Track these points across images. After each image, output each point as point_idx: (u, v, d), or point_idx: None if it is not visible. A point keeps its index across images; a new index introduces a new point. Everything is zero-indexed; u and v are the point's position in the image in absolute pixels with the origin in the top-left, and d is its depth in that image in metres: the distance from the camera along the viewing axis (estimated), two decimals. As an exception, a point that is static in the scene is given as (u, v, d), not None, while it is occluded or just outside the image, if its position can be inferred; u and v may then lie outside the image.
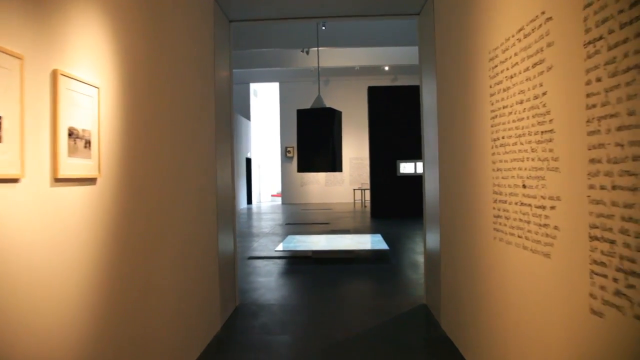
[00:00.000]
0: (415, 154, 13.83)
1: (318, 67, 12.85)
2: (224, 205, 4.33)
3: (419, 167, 13.76)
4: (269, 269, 6.46)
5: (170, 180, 2.89)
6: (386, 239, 8.25)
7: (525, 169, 2.13)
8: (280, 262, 6.85)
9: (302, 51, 14.66)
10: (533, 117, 2.05)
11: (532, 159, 2.06)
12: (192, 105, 3.41)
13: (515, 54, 2.21)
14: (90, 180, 1.92)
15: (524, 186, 2.14)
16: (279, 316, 4.38)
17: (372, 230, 11.00)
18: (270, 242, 8.94)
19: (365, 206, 18.17)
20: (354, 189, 19.38)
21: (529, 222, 2.10)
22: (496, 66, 2.47)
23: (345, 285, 5.65)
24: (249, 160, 21.08)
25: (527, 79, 2.10)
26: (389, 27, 13.78)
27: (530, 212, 2.08)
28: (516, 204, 2.24)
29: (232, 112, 4.82)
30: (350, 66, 17.25)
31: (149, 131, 2.54)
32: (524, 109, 2.13)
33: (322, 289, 5.38)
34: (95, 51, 1.99)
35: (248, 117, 21.63)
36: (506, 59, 2.33)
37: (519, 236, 2.21)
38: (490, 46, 2.56)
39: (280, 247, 7.30)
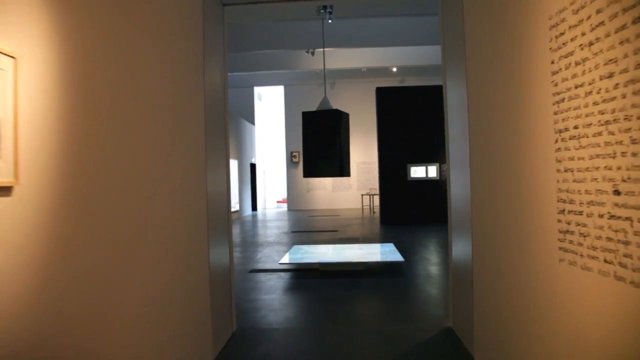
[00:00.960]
0: (426, 157, 13.21)
1: (324, 66, 12.28)
2: (217, 213, 3.74)
3: (431, 171, 13.13)
4: (273, 284, 5.85)
5: (139, 186, 2.30)
6: (399, 248, 7.63)
7: (619, 169, 1.52)
8: (285, 276, 6.25)
9: (307, 52, 14.13)
10: (634, 94, 1.44)
11: (634, 154, 1.45)
12: (172, 95, 2.82)
13: (599, 11, 1.61)
14: (2, 191, 1.34)
15: (618, 192, 1.53)
16: (282, 345, 3.77)
17: (383, 238, 10.38)
18: (275, 253, 8.34)
19: (373, 212, 17.55)
20: (362, 195, 18.76)
21: (627, 244, 1.49)
22: (562, 33, 1.86)
23: (356, 304, 5.03)
24: (253, 166, 20.53)
25: (621, 42, 1.49)
26: (397, 27, 13.22)
27: (629, 229, 1.47)
28: (601, 216, 1.63)
29: (227, 109, 4.24)
30: (357, 68, 16.69)
31: (104, 122, 1.94)
32: (616, 84, 1.52)
33: (331, 309, 4.76)
34: (13, 6, 1.41)
35: (252, 122, 21.10)
36: (581, 21, 1.73)
37: (607, 261, 1.60)
38: (551, 9, 1.96)
39: (285, 259, 6.69)
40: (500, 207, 2.77)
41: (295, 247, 7.86)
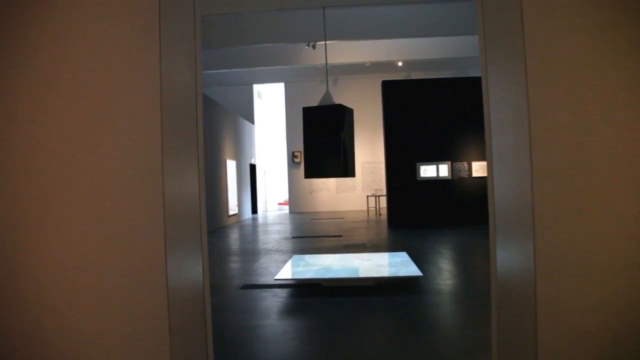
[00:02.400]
0: (437, 155, 12.28)
1: (326, 59, 11.35)
2: (184, 220, 2.84)
3: (442, 170, 12.20)
4: (267, 305, 4.95)
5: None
6: (411, 255, 6.71)
7: None
8: (282, 294, 5.34)
9: (308, 45, 13.23)
10: None
11: None
12: (97, 91, 1.96)
13: None
14: None
15: None
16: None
17: (392, 244, 9.45)
18: (273, 263, 7.43)
19: (380, 214, 16.63)
20: (368, 196, 17.84)
21: None
22: None
23: (366, 335, 4.11)
24: (253, 167, 19.64)
25: None
26: (403, 17, 12.31)
27: None
28: None
29: (199, 105, 3.30)
30: (361, 62, 15.80)
31: None
32: None
33: (337, 343, 3.84)
34: None
35: (252, 121, 20.22)
36: None
37: None
38: None
39: (282, 273, 5.76)
40: (594, 207, 1.85)
41: (296, 257, 6.94)
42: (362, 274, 5.51)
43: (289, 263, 6.41)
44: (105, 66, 2.19)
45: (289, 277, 5.59)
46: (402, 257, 6.50)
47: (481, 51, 3.47)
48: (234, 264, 7.55)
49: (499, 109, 3.13)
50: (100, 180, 2.14)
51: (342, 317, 4.44)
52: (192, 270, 2.95)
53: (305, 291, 5.40)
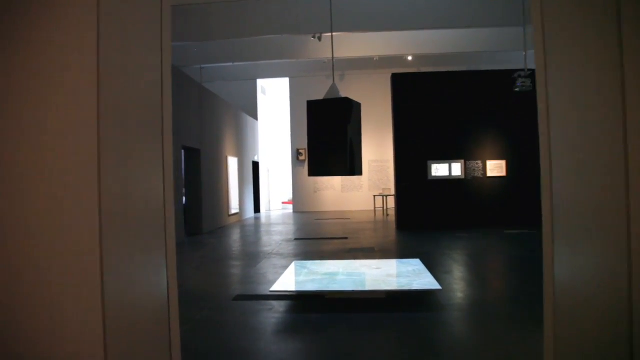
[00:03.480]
0: (450, 153, 11.55)
1: (332, 51, 10.64)
2: (139, 224, 2.19)
3: (455, 169, 11.47)
4: (261, 322, 4.27)
5: None
6: (426, 263, 6.02)
7: None
8: (279, 307, 4.66)
9: (314, 37, 12.52)
10: None
11: None
12: None
13: None
14: None
15: None
16: None
17: (402, 248, 8.75)
18: (271, 269, 6.76)
19: (387, 215, 15.92)
20: (375, 196, 17.13)
21: None
22: None
23: (379, 360, 3.42)
24: (256, 165, 18.98)
25: None
26: (414, 8, 11.60)
27: None
28: None
29: (166, 97, 2.63)
30: (369, 56, 15.08)
31: None
32: None
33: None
34: None
35: (255, 117, 19.56)
36: None
37: None
38: None
39: (279, 284, 5.07)
40: None
41: (297, 263, 6.26)
42: (372, 285, 4.82)
43: (289, 270, 5.73)
44: (40, 58, 1.96)
45: (287, 289, 4.90)
46: (415, 265, 5.80)
47: (537, 42, 2.77)
48: (229, 270, 6.89)
49: (562, 104, 2.46)
50: (33, 176, 1.91)
51: (348, 339, 3.76)
52: (149, 283, 2.30)
53: (306, 304, 4.72)
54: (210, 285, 5.89)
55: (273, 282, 5.44)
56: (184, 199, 12.81)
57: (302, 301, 4.82)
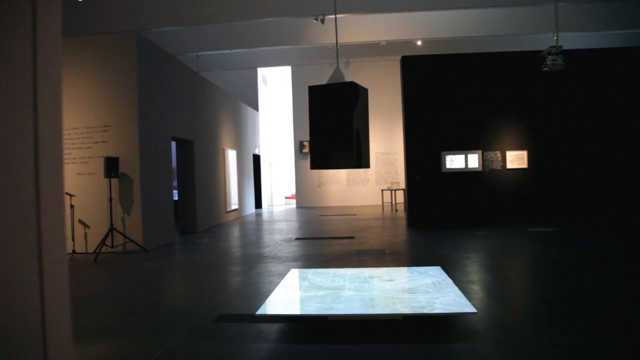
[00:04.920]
0: (466, 144, 10.54)
1: (336, 31, 9.63)
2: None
3: (472, 161, 10.45)
4: (242, 356, 3.31)
5: None
6: (447, 269, 5.05)
7: None
8: (270, 334, 3.71)
9: (316, 19, 11.49)
10: None
11: None
12: None
13: None
14: None
15: None
16: None
17: (416, 250, 7.77)
18: (266, 277, 5.81)
19: (396, 210, 14.94)
20: (382, 190, 16.13)
21: None
22: None
23: None
24: (257, 158, 18.02)
25: None
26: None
27: None
28: None
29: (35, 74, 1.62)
30: (375, 42, 14.01)
31: None
32: None
33: None
34: None
35: (256, 108, 18.58)
36: None
37: None
38: None
39: (270, 304, 4.09)
40: None
41: (294, 272, 5.29)
42: (385, 305, 3.84)
43: (285, 282, 4.77)
44: None
45: (279, 311, 3.93)
46: (436, 274, 4.82)
47: None
48: (217, 277, 5.93)
49: None
50: None
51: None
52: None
53: (303, 330, 3.76)
54: (190, 299, 4.94)
55: (265, 295, 4.47)
56: (175, 194, 11.89)
57: (298, 325, 3.87)
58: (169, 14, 10.90)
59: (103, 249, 7.83)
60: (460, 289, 4.36)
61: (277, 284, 5.10)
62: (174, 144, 10.92)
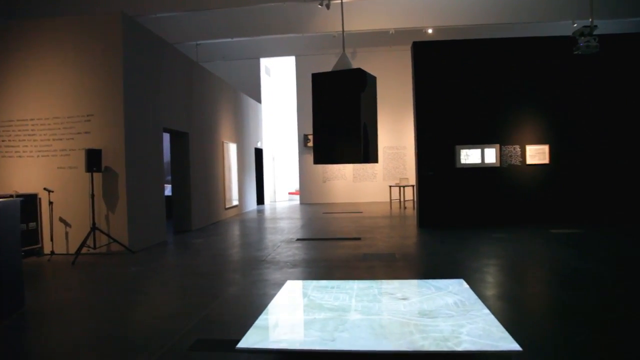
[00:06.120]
0: (482, 137, 9.74)
1: (342, 15, 8.84)
2: None
3: (488, 155, 9.67)
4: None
5: None
6: (469, 281, 4.30)
7: None
8: (255, 369, 2.96)
9: (321, 5, 10.70)
10: None
11: None
12: None
13: None
14: None
15: None
16: None
17: (430, 255, 7.01)
18: (259, 289, 5.06)
19: (404, 207, 14.16)
20: (390, 186, 15.34)
21: None
22: None
23: None
24: (260, 152, 17.27)
25: None
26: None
27: None
28: None
29: None
30: (383, 30, 13.14)
31: None
32: None
33: None
34: None
35: (259, 100, 17.81)
36: None
37: None
38: None
39: (255, 332, 3.34)
40: None
41: (292, 284, 4.54)
42: (400, 335, 3.08)
43: (279, 298, 4.02)
44: None
45: (268, 341, 3.17)
46: (459, 290, 4.06)
47: None
48: (203, 289, 5.18)
49: None
50: None
51: None
52: None
53: (297, 364, 3.02)
54: (169, 315, 4.20)
55: (257, 312, 3.72)
56: (168, 190, 11.18)
57: (295, 357, 3.12)
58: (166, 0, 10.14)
59: (85, 250, 7.12)
60: (486, 304, 3.60)
61: (272, 295, 4.36)
62: (167, 136, 10.20)
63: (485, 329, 3.12)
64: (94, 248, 7.24)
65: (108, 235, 7.34)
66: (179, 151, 10.23)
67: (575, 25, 11.08)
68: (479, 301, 3.74)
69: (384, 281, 4.60)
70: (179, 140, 10.19)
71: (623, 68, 9.54)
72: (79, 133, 7.49)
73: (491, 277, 5.31)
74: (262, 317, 3.51)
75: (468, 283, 4.38)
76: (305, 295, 4.05)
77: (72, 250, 7.30)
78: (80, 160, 7.33)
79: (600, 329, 3.53)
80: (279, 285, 4.90)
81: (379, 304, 3.74)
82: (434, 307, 3.61)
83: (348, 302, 3.76)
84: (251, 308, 4.27)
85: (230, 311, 4.29)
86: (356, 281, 4.53)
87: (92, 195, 7.17)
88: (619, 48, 9.48)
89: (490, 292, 4.63)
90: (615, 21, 11.54)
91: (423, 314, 3.47)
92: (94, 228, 7.17)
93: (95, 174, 7.29)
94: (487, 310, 3.51)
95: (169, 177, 11.00)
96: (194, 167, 10.36)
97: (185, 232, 9.93)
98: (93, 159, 7.11)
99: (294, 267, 6.03)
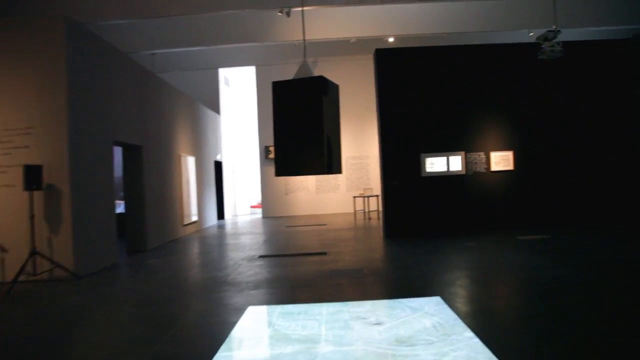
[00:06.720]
0: (448, 145, 9.59)
1: (303, 22, 8.68)
2: None
3: (454, 163, 9.53)
4: None
5: None
6: (448, 299, 3.98)
7: None
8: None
9: (281, 12, 10.35)
10: None
11: None
12: None
13: None
14: None
15: None
16: None
17: (399, 268, 6.69)
18: (216, 316, 4.59)
19: (369, 218, 13.90)
20: (354, 197, 15.08)
21: None
22: None
23: None
24: (219, 165, 16.70)
25: None
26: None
27: None
28: None
29: None
30: (344, 38, 12.92)
31: None
32: None
33: None
34: None
35: (218, 111, 17.28)
36: None
37: None
38: None
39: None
40: None
41: (254, 310, 4.12)
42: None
43: (238, 329, 3.59)
44: None
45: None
46: (435, 309, 3.75)
47: None
48: (150, 319, 4.66)
49: None
50: None
51: None
52: None
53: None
54: (110, 355, 3.68)
55: (216, 345, 3.26)
56: (121, 207, 10.53)
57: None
58: (116, 5, 9.55)
59: (23, 278, 6.44)
60: (472, 329, 3.29)
61: (233, 324, 3.92)
62: (119, 149, 9.58)
63: (471, 357, 2.80)
64: (34, 275, 6.56)
65: (50, 260, 6.67)
66: (132, 166, 9.61)
67: (531, 34, 11.17)
68: (460, 321, 3.44)
69: (354, 303, 4.24)
70: (132, 154, 9.58)
71: (586, 74, 9.62)
72: (16, 147, 6.82)
73: (467, 291, 5.03)
74: (220, 353, 3.08)
75: (443, 299, 4.08)
76: (269, 323, 3.64)
77: (11, 277, 6.59)
78: (18, 177, 6.65)
79: (586, 344, 3.27)
80: (240, 310, 4.45)
81: (352, 331, 3.37)
82: (412, 332, 3.27)
83: (317, 331, 3.37)
84: (209, 340, 3.80)
85: (184, 345, 3.81)
86: (325, 304, 4.16)
87: (32, 216, 6.52)
88: (582, 55, 9.56)
89: (469, 308, 4.33)
90: (578, 30, 11.69)
91: (400, 341, 3.12)
92: (34, 252, 6.50)
93: (35, 193, 6.63)
94: (469, 333, 3.20)
95: (122, 194, 10.35)
96: (148, 182, 9.76)
97: (140, 252, 9.29)
98: (33, 176, 6.47)
99: (256, 289, 5.59)
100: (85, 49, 7.53)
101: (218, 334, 3.85)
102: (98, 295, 5.83)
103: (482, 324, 3.82)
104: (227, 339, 3.31)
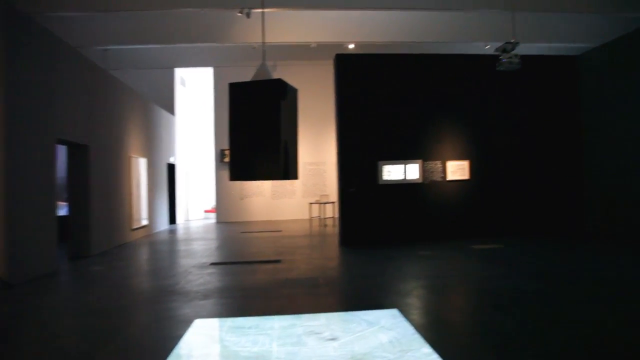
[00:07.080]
0: (405, 153, 9.59)
1: (263, 24, 8.45)
2: None
3: (411, 171, 9.52)
4: None
5: None
6: (405, 311, 3.86)
7: None
8: None
9: (241, 12, 10.10)
10: None
11: None
12: None
13: None
14: None
15: None
16: None
17: (355, 277, 6.57)
18: (160, 330, 4.28)
19: (325, 225, 13.77)
20: (310, 203, 14.92)
21: None
22: None
23: None
24: (172, 167, 16.16)
25: None
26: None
27: None
28: None
29: None
30: (305, 43, 12.79)
31: None
32: None
33: None
34: None
35: (172, 112, 16.75)
36: None
37: None
38: None
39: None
40: None
41: (201, 323, 3.86)
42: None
43: (183, 345, 3.33)
44: None
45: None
46: (392, 323, 3.61)
47: None
48: (90, 334, 4.31)
49: None
50: None
51: None
52: None
53: None
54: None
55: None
56: (63, 209, 9.95)
57: None
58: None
59: (-52, 285, 5.88)
60: (429, 343, 3.17)
61: (178, 338, 3.65)
62: (63, 148, 9.03)
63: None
64: (-39, 281, 6.01)
65: (-20, 266, 6.14)
66: (77, 165, 9.07)
67: (487, 47, 11.41)
68: (417, 335, 3.32)
69: (308, 316, 4.05)
70: (78, 153, 9.04)
71: (541, 87, 9.89)
72: (-55, 143, 6.26)
73: (423, 302, 4.94)
74: (160, 374, 2.82)
75: (400, 311, 3.96)
76: (217, 339, 3.39)
77: None
78: (-54, 175, 6.10)
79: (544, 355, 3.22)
80: (187, 323, 4.18)
81: (305, 348, 3.18)
82: (368, 349, 3.12)
83: (269, 347, 3.16)
84: (150, 357, 3.51)
85: (122, 362, 3.51)
86: (277, 317, 3.95)
87: (-40, 218, 5.98)
88: (538, 68, 9.82)
89: (426, 320, 4.23)
90: (535, 45, 12.01)
91: (356, 358, 2.96)
92: (-39, 257, 5.96)
93: (-36, 193, 6.10)
94: (427, 349, 3.08)
95: (66, 195, 9.76)
96: (94, 183, 9.23)
97: (83, 257, 8.76)
98: (-38, 175, 5.94)
99: (205, 299, 5.31)
100: (27, 41, 7.03)
101: (160, 350, 3.56)
102: (31, 305, 5.38)
103: (439, 338, 3.70)
104: (170, 356, 3.05)
